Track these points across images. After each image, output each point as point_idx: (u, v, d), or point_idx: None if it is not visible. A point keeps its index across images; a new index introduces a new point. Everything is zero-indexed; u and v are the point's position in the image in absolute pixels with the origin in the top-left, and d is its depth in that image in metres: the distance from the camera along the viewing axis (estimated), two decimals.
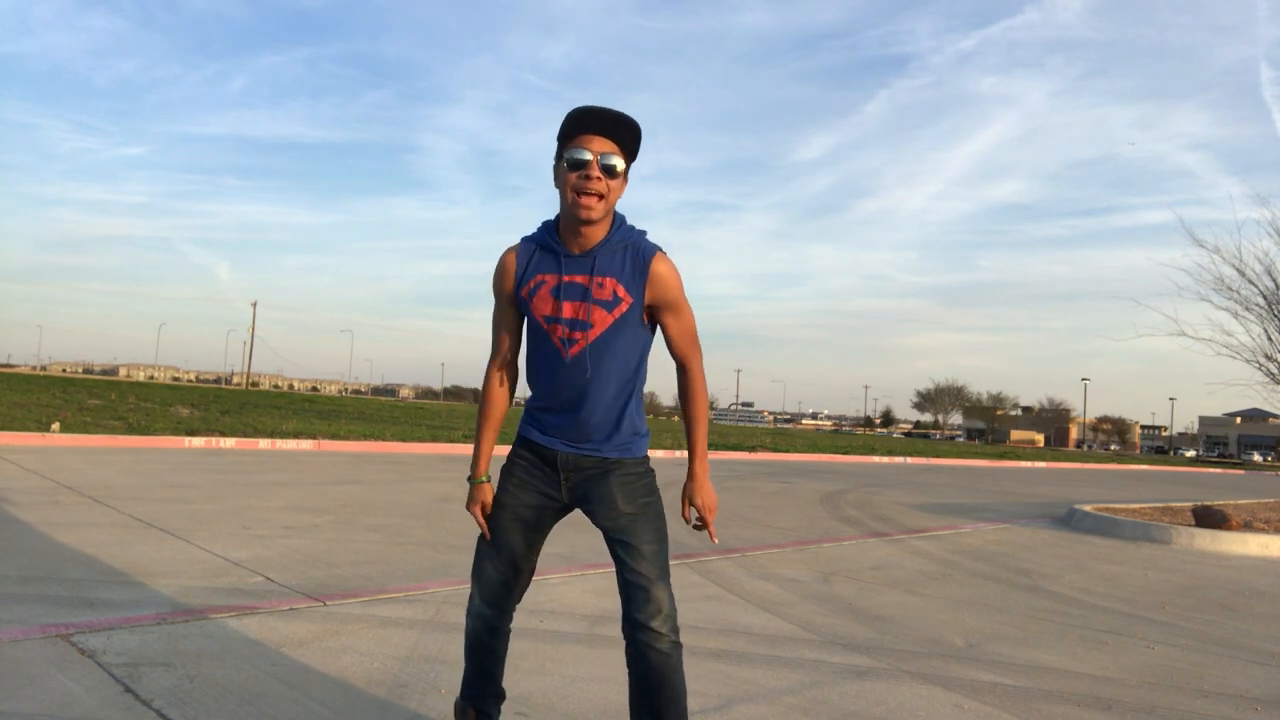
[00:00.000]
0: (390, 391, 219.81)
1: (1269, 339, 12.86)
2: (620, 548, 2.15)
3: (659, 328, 2.22)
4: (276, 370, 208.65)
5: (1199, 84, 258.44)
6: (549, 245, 2.14)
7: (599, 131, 2.03)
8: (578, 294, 2.11)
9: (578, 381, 2.15)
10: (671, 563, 6.48)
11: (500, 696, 2.38)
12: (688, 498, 2.25)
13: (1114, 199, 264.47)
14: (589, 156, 2.02)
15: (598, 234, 2.11)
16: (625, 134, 2.05)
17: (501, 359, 2.28)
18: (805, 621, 4.34)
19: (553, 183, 2.12)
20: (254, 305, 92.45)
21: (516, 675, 3.17)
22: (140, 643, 3.22)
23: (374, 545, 5.62)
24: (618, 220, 2.15)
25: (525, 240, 2.20)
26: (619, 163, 2.05)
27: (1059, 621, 4.78)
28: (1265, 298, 12.72)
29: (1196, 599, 5.78)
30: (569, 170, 2.04)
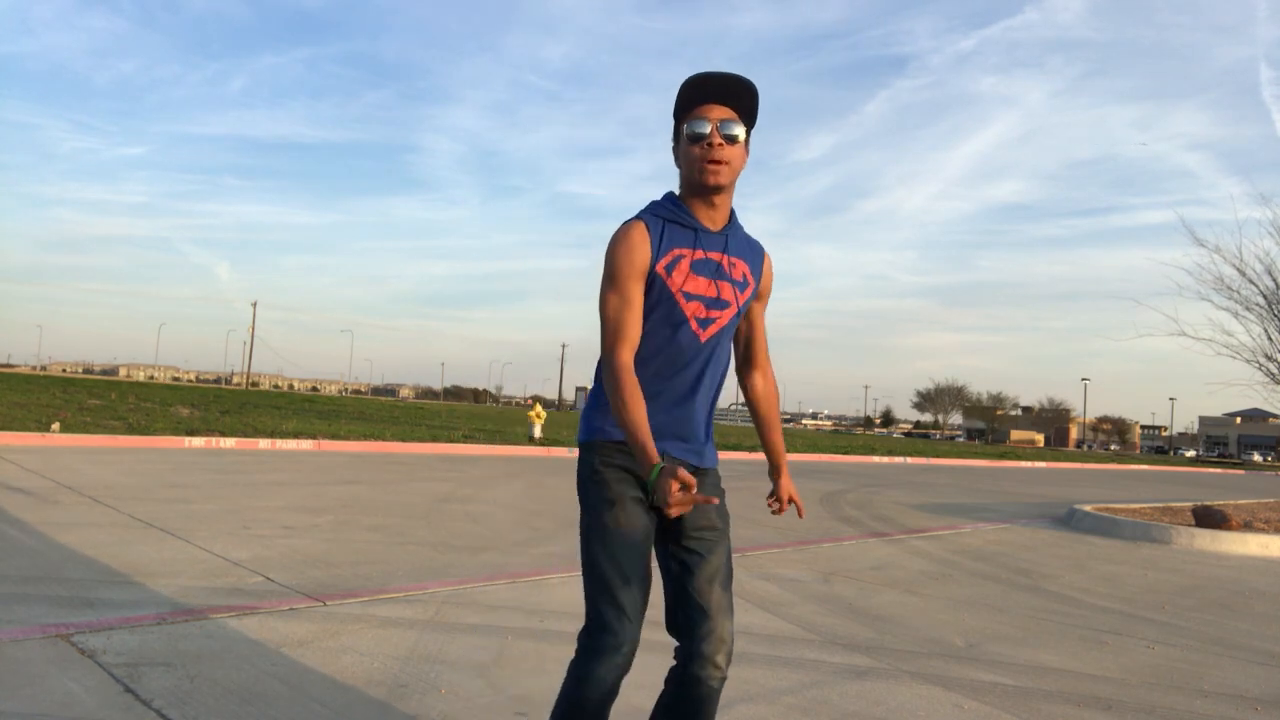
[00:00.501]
0: (390, 391, 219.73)
1: (1269, 339, 12.88)
2: (696, 562, 1.95)
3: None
4: (276, 370, 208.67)
5: (1199, 84, 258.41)
6: (680, 220, 1.98)
7: (717, 99, 1.92)
8: (715, 271, 1.98)
9: (701, 367, 2.01)
10: None
11: None
12: (786, 494, 2.21)
13: (1114, 199, 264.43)
14: (708, 128, 1.91)
15: (726, 212, 2.02)
16: (744, 99, 1.94)
17: (633, 344, 1.93)
18: (805, 621, 4.34)
19: (674, 162, 2.01)
20: (254, 305, 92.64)
21: (516, 675, 3.17)
22: (140, 643, 3.22)
23: (374, 545, 5.62)
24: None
25: (649, 215, 1.99)
26: (740, 130, 1.93)
27: (1059, 621, 4.78)
28: (1266, 297, 12.74)
29: (1196, 599, 5.78)
30: (690, 144, 1.93)
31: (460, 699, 2.89)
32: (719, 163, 1.90)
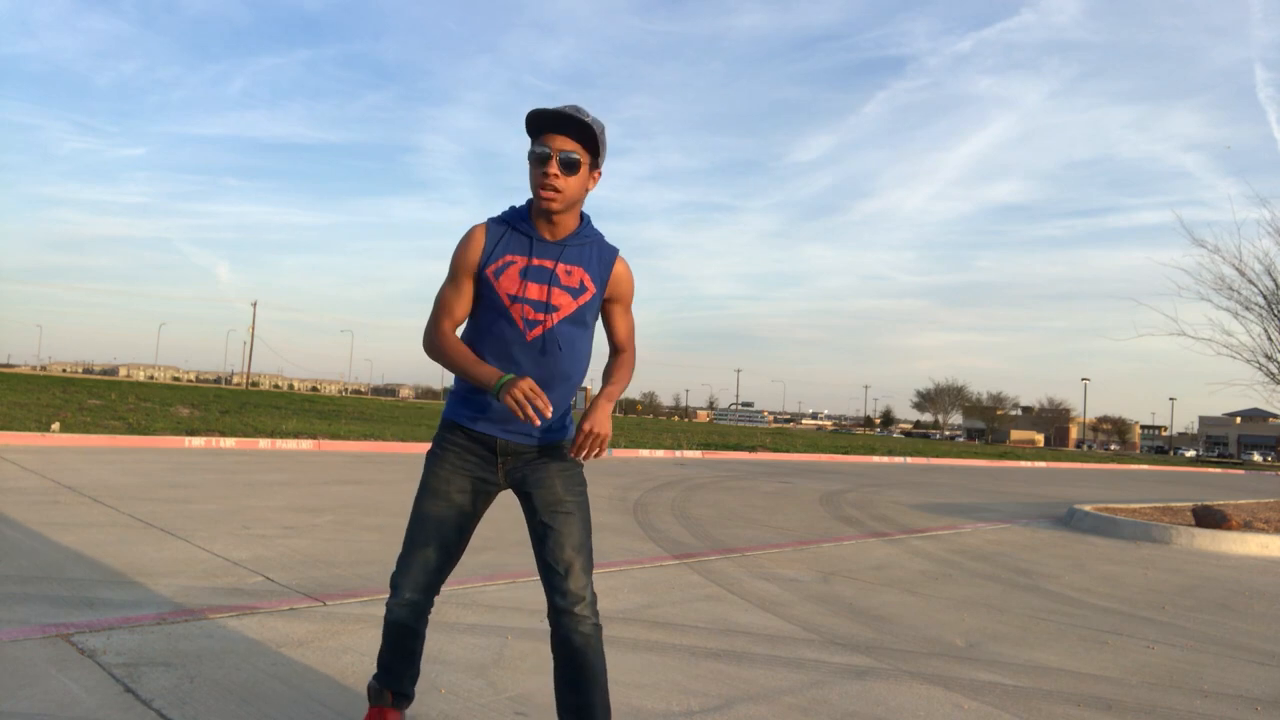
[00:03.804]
0: (390, 391, 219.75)
1: (1269, 339, 12.88)
2: (550, 535, 2.21)
3: (601, 324, 2.34)
4: (276, 370, 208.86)
5: (1195, 85, 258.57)
6: (520, 228, 2.21)
7: (561, 130, 2.13)
8: (546, 277, 2.18)
9: (532, 366, 2.19)
10: (671, 563, 6.43)
11: (417, 675, 2.48)
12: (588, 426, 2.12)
13: (1112, 199, 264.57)
14: (549, 153, 2.12)
15: (567, 226, 2.21)
16: (587, 133, 2.14)
17: (453, 320, 2.22)
18: (805, 621, 4.34)
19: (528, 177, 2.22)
20: (254, 305, 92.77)
21: (517, 675, 3.17)
22: (140, 643, 3.22)
23: (374, 545, 5.62)
24: (585, 218, 2.27)
25: (493, 221, 2.24)
26: (578, 159, 2.14)
27: (1059, 621, 4.78)
28: (1265, 297, 12.74)
29: (1196, 599, 5.78)
30: (533, 165, 2.15)
31: (460, 699, 2.89)
32: (553, 190, 2.12)
